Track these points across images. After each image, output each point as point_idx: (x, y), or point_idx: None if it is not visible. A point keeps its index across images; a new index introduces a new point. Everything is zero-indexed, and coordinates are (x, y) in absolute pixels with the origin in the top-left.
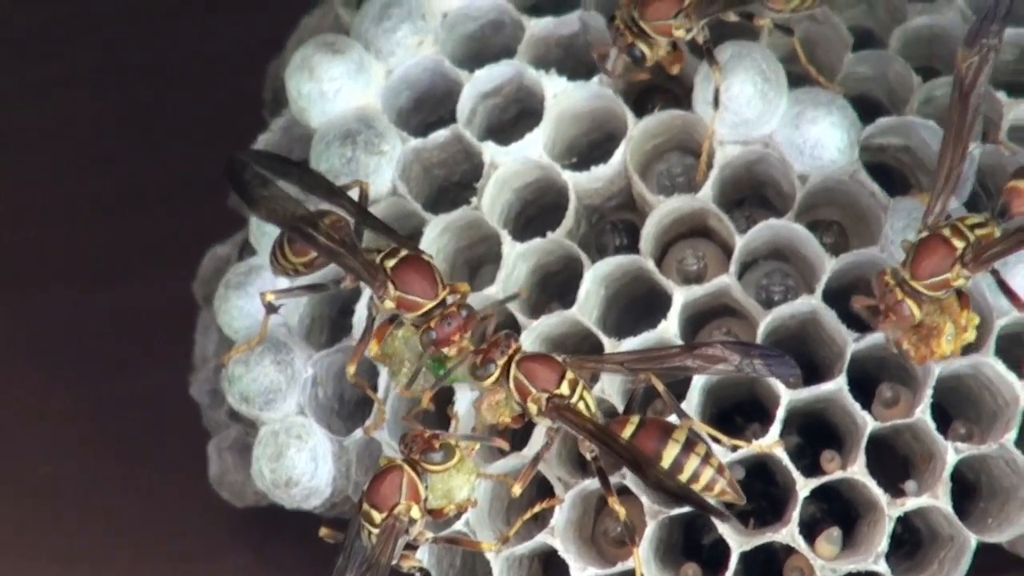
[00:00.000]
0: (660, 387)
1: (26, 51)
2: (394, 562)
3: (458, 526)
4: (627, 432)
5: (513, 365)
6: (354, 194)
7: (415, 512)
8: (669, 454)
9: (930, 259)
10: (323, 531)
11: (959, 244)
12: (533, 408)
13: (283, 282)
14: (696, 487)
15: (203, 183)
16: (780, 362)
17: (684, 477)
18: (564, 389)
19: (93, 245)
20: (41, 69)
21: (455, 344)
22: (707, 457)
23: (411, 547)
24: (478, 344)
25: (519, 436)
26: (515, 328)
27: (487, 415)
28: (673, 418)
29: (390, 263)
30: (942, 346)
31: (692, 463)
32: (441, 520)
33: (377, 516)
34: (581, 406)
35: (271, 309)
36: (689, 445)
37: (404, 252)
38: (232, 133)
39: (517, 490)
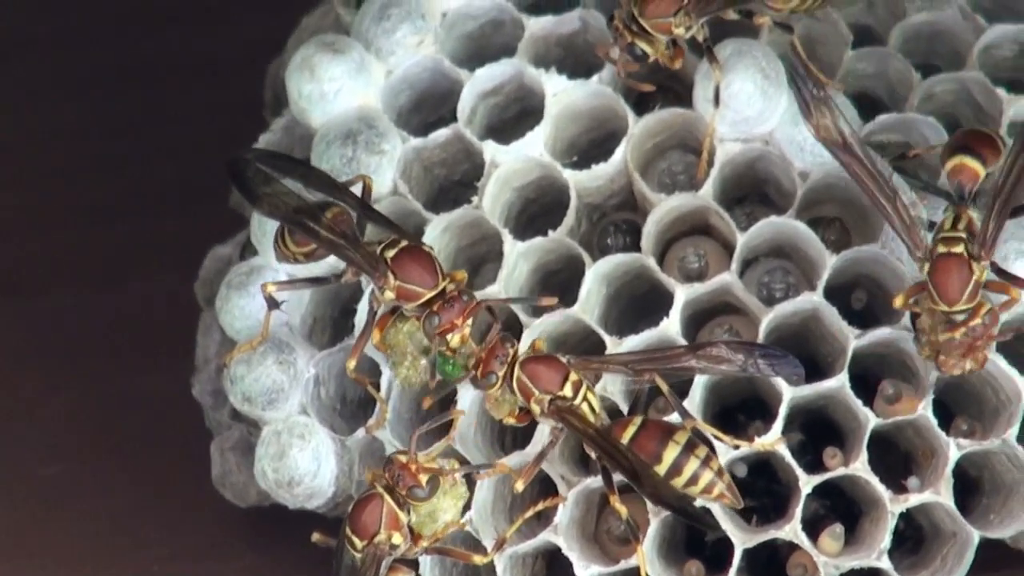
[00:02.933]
0: (664, 387)
1: (24, 58)
2: None
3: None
4: (628, 433)
5: (517, 366)
6: (357, 189)
7: (396, 539)
8: (669, 456)
9: (951, 279)
10: (316, 536)
11: (959, 248)
12: (536, 409)
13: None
14: (695, 489)
15: (203, 186)
16: (784, 362)
17: (683, 479)
18: (567, 391)
19: (94, 248)
20: (40, 75)
21: (458, 330)
22: (707, 460)
23: (404, 561)
24: (478, 343)
25: (522, 433)
26: (517, 326)
27: (492, 412)
28: (676, 417)
29: (390, 253)
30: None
31: (692, 465)
32: (425, 542)
33: (359, 543)
34: (584, 407)
35: (272, 303)
36: (689, 447)
37: (404, 243)
38: (232, 135)
39: (520, 486)
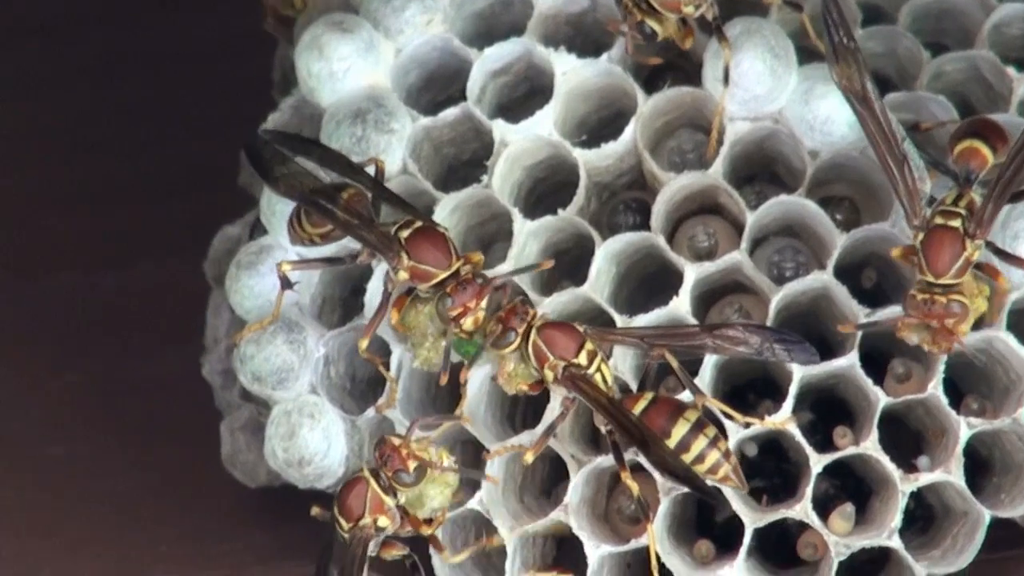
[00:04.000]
0: (674, 363)
1: (32, 41)
2: (371, 553)
3: (472, 504)
4: (638, 408)
5: (533, 331)
6: (370, 171)
7: (382, 522)
8: (677, 433)
9: (942, 250)
10: (315, 510)
11: (956, 223)
12: (549, 375)
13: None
14: (700, 468)
15: (211, 167)
16: (799, 347)
17: (689, 457)
18: (582, 359)
19: (101, 229)
20: (48, 58)
21: (471, 312)
22: (715, 440)
23: (398, 538)
24: (493, 313)
25: (532, 413)
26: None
27: (504, 387)
28: (687, 394)
29: (404, 234)
30: (962, 329)
31: (699, 444)
32: (415, 527)
33: (345, 524)
34: (597, 378)
35: (286, 283)
36: (699, 426)
37: (418, 223)
38: (240, 117)
39: (529, 458)
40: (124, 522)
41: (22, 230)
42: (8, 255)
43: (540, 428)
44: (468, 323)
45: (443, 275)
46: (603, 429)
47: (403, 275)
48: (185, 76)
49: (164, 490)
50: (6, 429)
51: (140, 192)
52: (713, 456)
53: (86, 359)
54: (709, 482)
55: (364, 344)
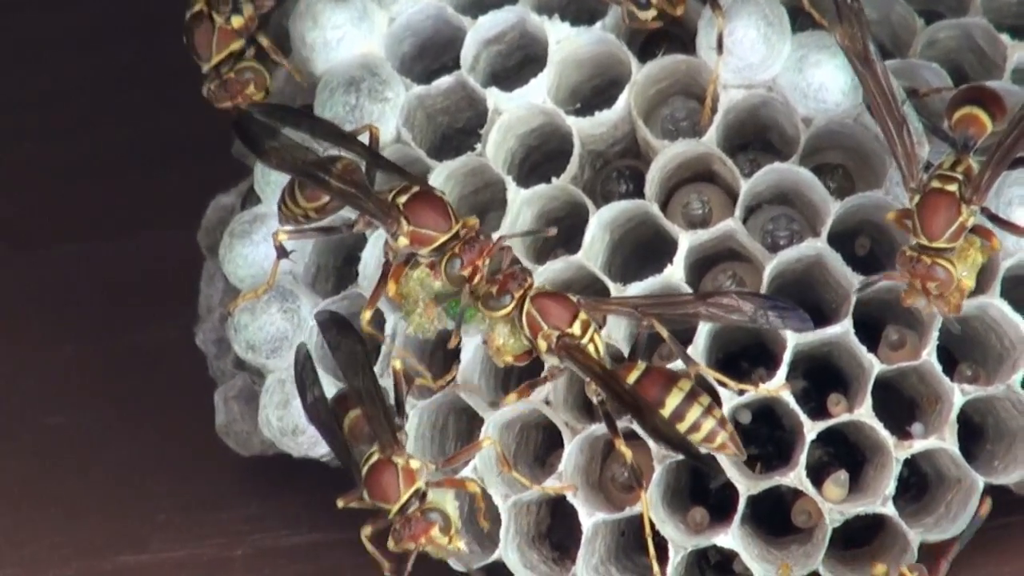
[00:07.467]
0: (664, 333)
1: (26, 10)
2: None
3: (467, 472)
4: (631, 378)
5: (527, 300)
6: (364, 139)
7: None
8: (671, 403)
9: (937, 214)
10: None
11: (953, 187)
12: (543, 344)
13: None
14: (696, 437)
15: (206, 137)
16: (793, 315)
17: (684, 426)
18: (576, 329)
19: (98, 200)
20: (42, 27)
21: (480, 270)
22: (709, 408)
23: None
24: (492, 274)
25: (526, 379)
26: None
27: (494, 359)
28: (679, 363)
29: (402, 199)
30: (964, 286)
31: (693, 413)
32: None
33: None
34: (590, 348)
35: (282, 252)
36: (692, 395)
37: (416, 188)
38: None
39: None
40: (120, 491)
41: (20, 202)
42: (6, 227)
43: (535, 397)
44: (479, 280)
45: (444, 238)
46: (595, 400)
47: (403, 241)
48: (180, 44)
49: (160, 459)
50: (5, 399)
51: (135, 163)
52: (708, 424)
53: (83, 329)
54: (706, 451)
55: (367, 316)
